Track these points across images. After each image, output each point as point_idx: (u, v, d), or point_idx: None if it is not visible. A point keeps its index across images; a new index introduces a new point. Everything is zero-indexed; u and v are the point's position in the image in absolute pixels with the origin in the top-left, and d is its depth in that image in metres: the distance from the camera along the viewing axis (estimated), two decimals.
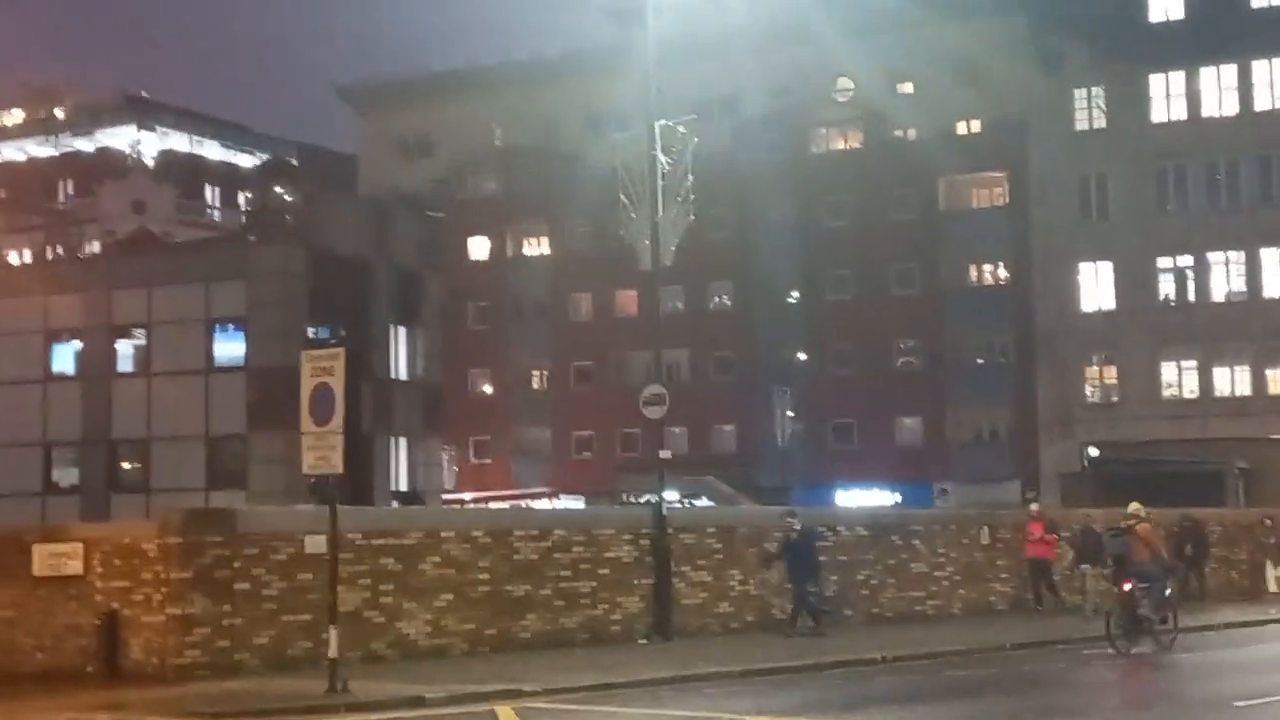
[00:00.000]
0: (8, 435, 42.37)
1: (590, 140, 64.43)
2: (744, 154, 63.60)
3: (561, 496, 57.16)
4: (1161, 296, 57.20)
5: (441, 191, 68.96)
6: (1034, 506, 30.95)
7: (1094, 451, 55.75)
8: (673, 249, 25.79)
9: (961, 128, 63.59)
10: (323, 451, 17.06)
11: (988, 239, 60.17)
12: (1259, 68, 56.61)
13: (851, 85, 66.27)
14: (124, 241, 58.29)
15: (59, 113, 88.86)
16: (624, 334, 61.26)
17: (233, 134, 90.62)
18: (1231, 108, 56.84)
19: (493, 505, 45.32)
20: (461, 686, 17.11)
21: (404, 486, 43.91)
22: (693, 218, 26.21)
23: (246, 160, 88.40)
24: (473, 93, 72.51)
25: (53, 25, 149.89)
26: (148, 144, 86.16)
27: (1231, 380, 55.84)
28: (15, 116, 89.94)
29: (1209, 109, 57.10)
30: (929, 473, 58.17)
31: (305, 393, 17.23)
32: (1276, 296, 55.57)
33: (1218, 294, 56.59)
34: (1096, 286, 57.98)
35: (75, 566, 19.69)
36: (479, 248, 69.30)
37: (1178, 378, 56.71)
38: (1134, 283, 56.99)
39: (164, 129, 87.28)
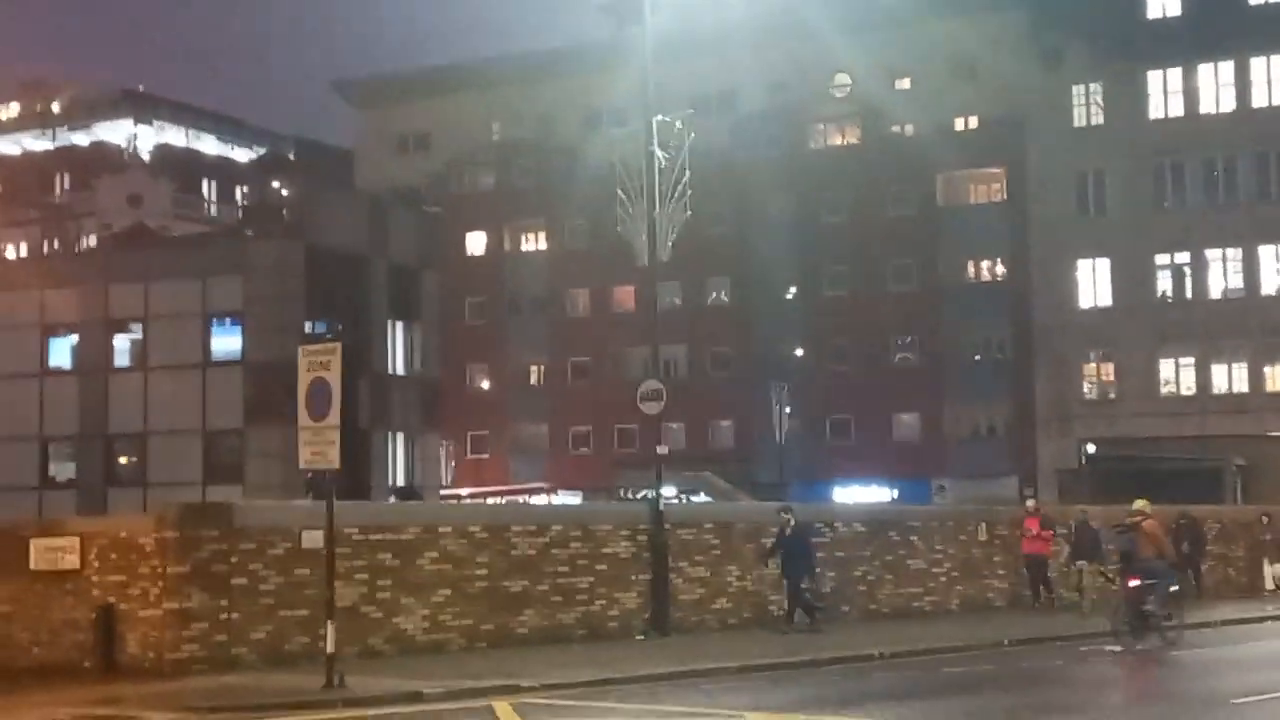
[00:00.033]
0: (4, 430, 42.32)
1: (588, 136, 64.44)
2: (742, 149, 63.59)
3: (559, 492, 57.09)
4: (1159, 293, 57.22)
5: (439, 187, 68.96)
6: (1030, 503, 30.96)
7: (1091, 448, 55.78)
8: (670, 244, 25.75)
9: (959, 124, 63.58)
10: (319, 446, 17.03)
11: (985, 235, 60.17)
12: (1256, 64, 56.62)
13: (849, 81, 66.26)
14: (120, 236, 58.20)
15: (55, 106, 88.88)
16: (621, 329, 61.22)
17: (230, 129, 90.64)
18: (1229, 104, 56.85)
19: (490, 501, 45.25)
20: (459, 682, 17.08)
21: (401, 482, 43.87)
22: (690, 213, 26.17)
23: (243, 155, 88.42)
24: (470, 88, 72.52)
25: (50, 19, 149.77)
26: (144, 138, 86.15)
27: (1229, 377, 55.86)
28: (11, 110, 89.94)
29: (1206, 105, 57.12)
30: (927, 469, 58.18)
31: (302, 388, 17.20)
32: (1274, 293, 55.59)
33: (1215, 291, 56.61)
34: (1094, 283, 58.00)
35: (72, 561, 19.66)
36: (476, 243, 69.26)
37: (1175, 375, 56.73)
38: (1132, 279, 57.00)
39: (161, 123, 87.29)
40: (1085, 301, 57.97)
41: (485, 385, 67.97)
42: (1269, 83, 56.57)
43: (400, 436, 44.29)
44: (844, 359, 61.34)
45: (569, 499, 54.22)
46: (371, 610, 20.06)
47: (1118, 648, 21.91)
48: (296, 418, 17.33)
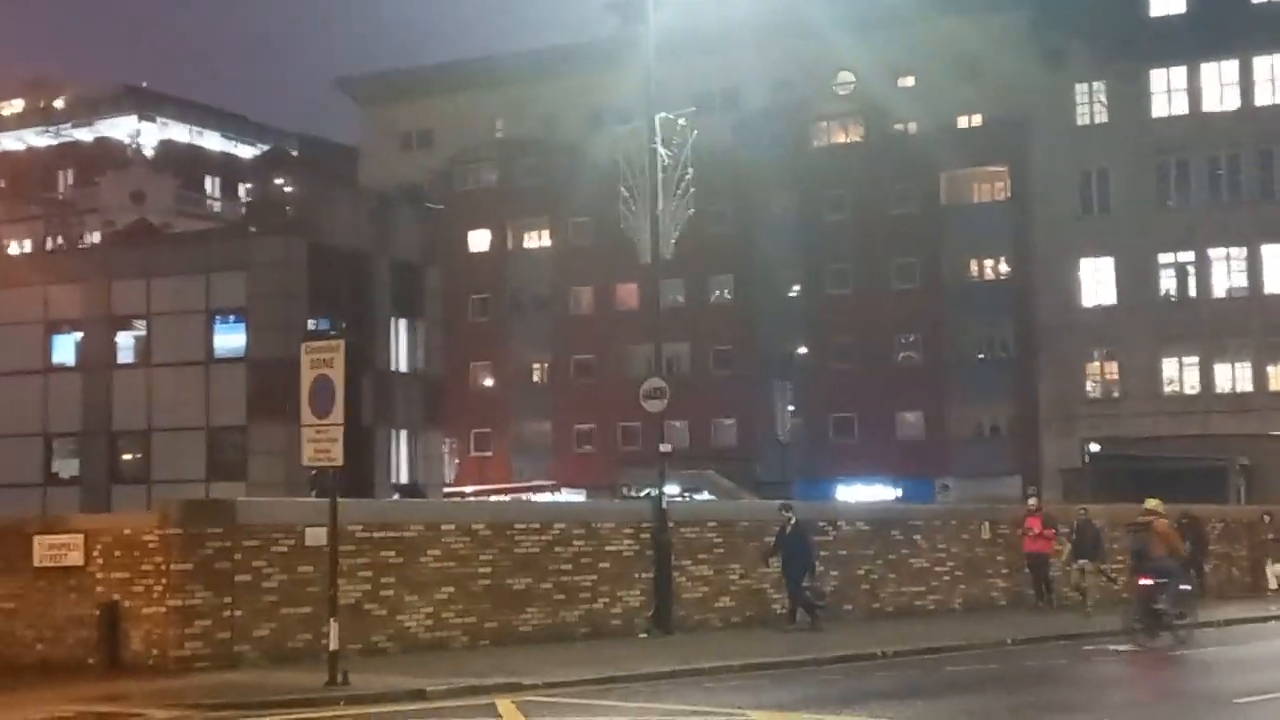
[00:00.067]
0: (8, 426, 42.33)
1: (591, 133, 64.46)
2: (745, 147, 63.59)
3: (562, 490, 57.12)
4: (1163, 292, 57.20)
5: (442, 184, 68.92)
6: (1032, 501, 30.95)
7: (1095, 447, 55.66)
8: (673, 242, 25.76)
9: (963, 122, 63.56)
10: (323, 444, 17.04)
11: (989, 234, 60.14)
12: (1260, 63, 56.59)
13: (852, 79, 66.23)
14: (124, 232, 58.19)
15: (59, 103, 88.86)
16: (624, 327, 61.25)
17: (233, 125, 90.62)
18: (1233, 103, 56.82)
19: (493, 499, 45.26)
20: (461, 680, 17.09)
21: (404, 479, 43.89)
22: (693, 211, 26.18)
23: (246, 151, 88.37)
24: (473, 85, 72.56)
25: (54, 16, 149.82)
26: (148, 134, 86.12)
27: (1233, 376, 55.84)
28: (15, 106, 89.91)
29: (1210, 104, 57.09)
30: (930, 468, 58.16)
31: (305, 385, 17.19)
32: (1278, 292, 55.54)
33: (1219, 290, 56.58)
34: (1098, 282, 57.98)
35: (75, 558, 19.67)
36: (479, 240, 69.28)
37: (1179, 374, 56.71)
38: (1135, 278, 56.98)
39: (164, 119, 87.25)
40: (1089, 300, 57.95)
41: (488, 383, 67.99)
42: (1273, 81, 56.56)
43: (403, 434, 44.30)
44: (847, 357, 61.33)
45: (572, 497, 54.25)
46: (375, 608, 20.07)
47: (1121, 647, 21.96)
48: (300, 415, 17.33)
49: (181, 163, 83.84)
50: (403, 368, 44.25)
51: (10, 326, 43.04)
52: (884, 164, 61.45)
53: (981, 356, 60.60)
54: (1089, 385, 58.29)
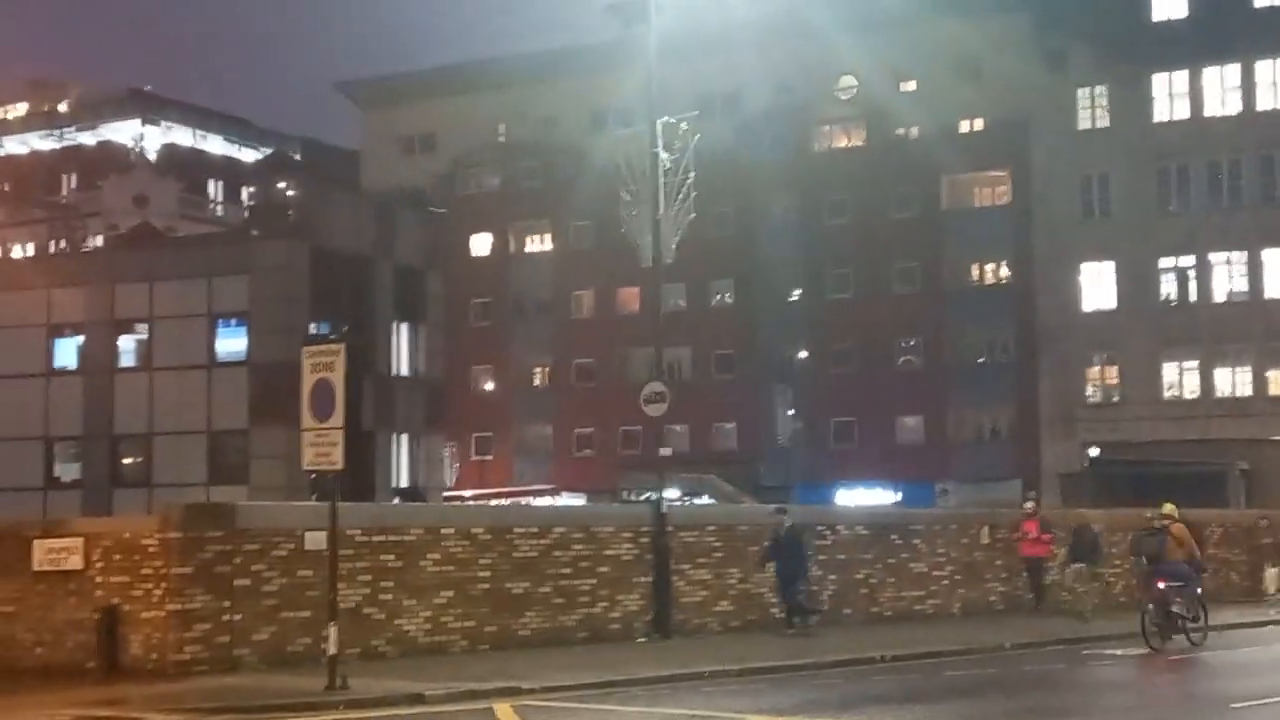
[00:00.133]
0: (9, 430, 42.36)
1: (592, 136, 64.46)
2: (746, 151, 63.64)
3: (563, 494, 57.15)
4: (1163, 296, 57.20)
5: (444, 188, 68.96)
6: (1029, 505, 30.97)
7: (1095, 451, 55.74)
8: (674, 246, 25.80)
9: (964, 126, 63.55)
10: (323, 447, 17.07)
11: (990, 238, 60.16)
12: (1262, 67, 56.60)
13: (854, 83, 66.24)
14: (126, 236, 58.23)
15: (62, 106, 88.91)
16: (625, 331, 61.30)
17: (236, 129, 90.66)
18: (1234, 107, 56.83)
19: (494, 503, 45.28)
20: (461, 684, 17.13)
21: (405, 483, 43.91)
22: (694, 215, 26.22)
23: (249, 155, 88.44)
24: (475, 89, 72.59)
25: (57, 19, 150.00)
26: (151, 138, 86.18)
27: (1233, 381, 55.83)
28: (19, 110, 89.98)
29: (1212, 108, 57.10)
30: (930, 472, 58.16)
31: (306, 388, 17.23)
32: (1278, 297, 55.52)
33: (1219, 294, 56.57)
34: (1098, 286, 57.98)
35: (75, 561, 19.70)
36: (481, 244, 69.32)
37: (1179, 378, 56.70)
38: (1136, 282, 56.98)
39: (167, 123, 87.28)
40: (1089, 304, 57.96)
41: (490, 387, 68.03)
42: (1275, 85, 56.56)
43: (404, 438, 44.33)
44: (848, 361, 61.33)
45: (572, 501, 54.28)
46: (374, 612, 20.11)
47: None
48: (301, 419, 17.37)
49: (184, 166, 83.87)
50: (404, 371, 44.29)
51: (12, 330, 43.07)
52: (885, 168, 61.48)
53: (982, 361, 60.61)
54: (1089, 389, 58.28)
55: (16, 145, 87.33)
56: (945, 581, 28.29)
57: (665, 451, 25.36)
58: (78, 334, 43.60)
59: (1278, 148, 55.74)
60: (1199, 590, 23.56)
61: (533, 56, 72.14)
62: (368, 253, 42.57)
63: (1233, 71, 56.97)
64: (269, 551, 19.14)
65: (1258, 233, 55.35)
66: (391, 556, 20.40)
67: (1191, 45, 56.33)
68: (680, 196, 25.67)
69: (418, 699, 16.38)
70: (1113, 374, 58.07)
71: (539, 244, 69.20)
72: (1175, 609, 22.78)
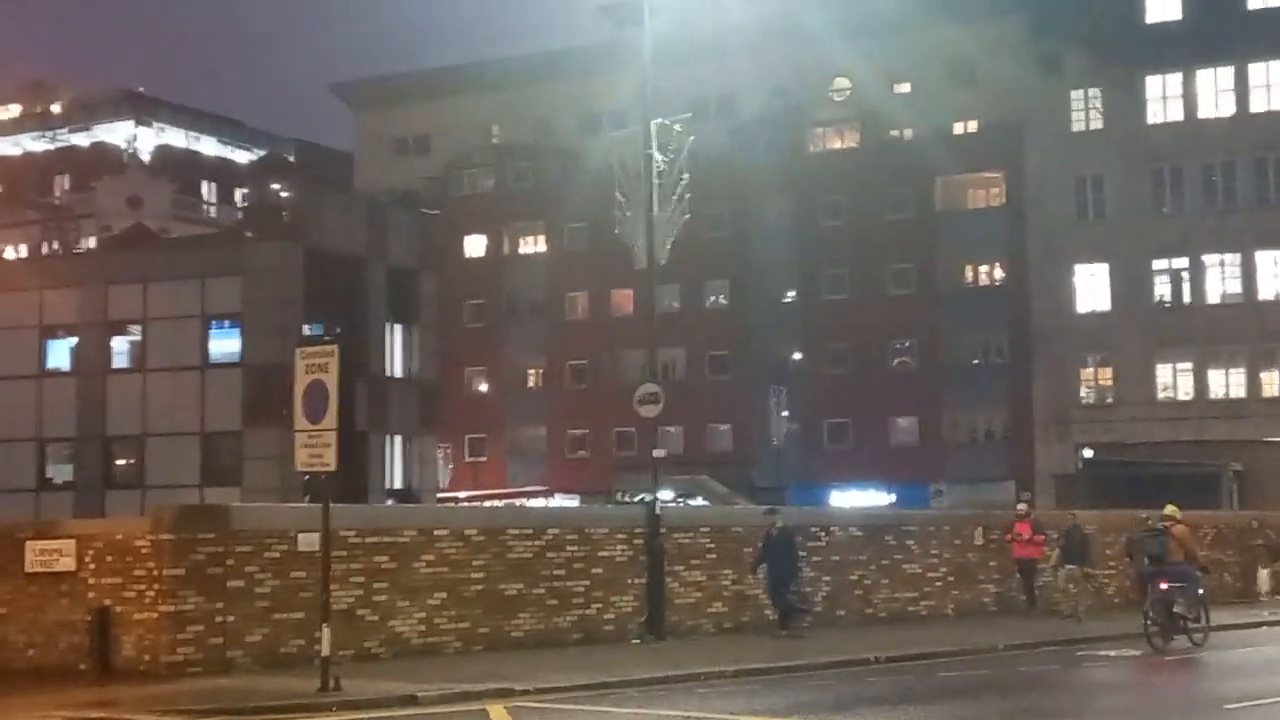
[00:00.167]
0: (2, 431, 42.35)
1: (586, 139, 64.54)
2: (741, 153, 63.68)
3: (557, 495, 57.11)
4: (1157, 298, 57.23)
5: (437, 189, 69.02)
6: (1021, 506, 31.02)
7: (1089, 453, 55.82)
8: (668, 247, 25.77)
9: (958, 128, 63.59)
10: (316, 449, 17.04)
11: (984, 239, 60.20)
12: (1255, 70, 56.64)
13: (849, 85, 66.30)
14: (120, 237, 58.19)
15: (56, 108, 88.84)
16: (619, 333, 61.28)
17: (229, 130, 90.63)
18: (1228, 109, 56.87)
19: (488, 504, 45.26)
20: (454, 685, 17.10)
21: (399, 484, 43.91)
22: (688, 216, 26.21)
23: (243, 156, 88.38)
24: (469, 90, 72.62)
25: (50, 21, 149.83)
26: (144, 140, 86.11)
27: (1226, 382, 55.87)
28: (12, 111, 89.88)
29: (1205, 111, 57.14)
30: (924, 473, 58.18)
31: (299, 390, 17.20)
32: (1272, 298, 55.58)
33: (1213, 296, 56.59)
34: (1092, 287, 58.01)
35: (68, 563, 19.65)
36: (475, 245, 69.29)
37: (1173, 380, 56.73)
38: (1130, 284, 57.01)
39: (161, 125, 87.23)
40: (1083, 306, 57.99)
41: (483, 388, 68.00)
42: (1268, 88, 56.58)
43: (398, 439, 44.31)
44: (842, 363, 61.35)
45: (566, 502, 54.25)
46: (367, 613, 20.08)
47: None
48: (294, 420, 17.35)
49: (178, 168, 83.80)
50: (397, 373, 44.28)
51: (5, 331, 43.06)
52: (880, 170, 61.51)
53: (976, 362, 60.64)
54: (1083, 391, 58.30)
55: (9, 146, 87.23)
56: (939, 583, 28.29)
57: (659, 453, 25.30)
58: (71, 335, 43.59)
59: (1271, 150, 55.78)
60: (1201, 591, 23.74)
61: (527, 58, 72.16)
62: (361, 254, 42.57)
63: (1226, 74, 57.01)
64: (262, 553, 19.10)
65: (1252, 235, 55.39)
66: (385, 558, 20.37)
67: (1185, 48, 56.37)
68: (675, 198, 25.66)
69: (411, 700, 16.35)
70: (1107, 375, 58.10)
71: (533, 245, 69.17)
72: (1178, 609, 22.97)
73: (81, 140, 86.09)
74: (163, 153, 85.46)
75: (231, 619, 18.71)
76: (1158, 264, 57.02)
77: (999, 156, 60.48)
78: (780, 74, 65.89)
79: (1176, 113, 57.40)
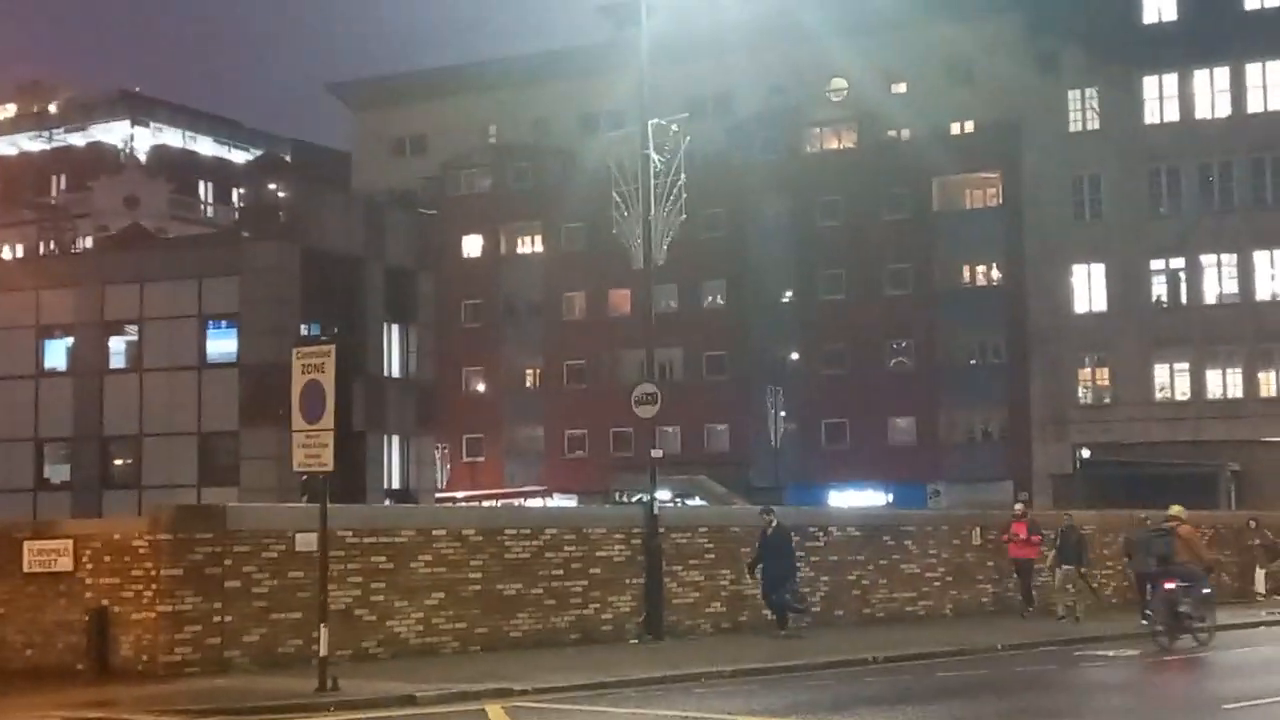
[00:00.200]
0: (0, 431, 42.30)
1: (583, 138, 64.60)
2: (738, 153, 63.71)
3: (554, 495, 57.11)
4: (1154, 298, 57.26)
5: (435, 189, 69.01)
6: (1018, 507, 31.02)
7: (1086, 453, 55.86)
8: (665, 248, 25.77)
9: (955, 128, 63.62)
10: (313, 449, 17.04)
11: (981, 239, 60.22)
12: (1252, 70, 56.67)
13: (845, 85, 66.33)
14: (117, 237, 58.22)
15: (52, 107, 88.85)
16: (617, 333, 61.30)
17: (226, 130, 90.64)
18: (1224, 110, 56.90)
19: (485, 504, 45.25)
20: (452, 685, 17.10)
21: (396, 485, 43.88)
22: (685, 216, 26.21)
23: (240, 156, 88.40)
24: (466, 90, 72.63)
25: (47, 20, 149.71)
26: (141, 139, 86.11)
27: (1224, 383, 55.91)
28: (8, 110, 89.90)
29: (1202, 111, 57.17)
30: (922, 473, 58.20)
31: (296, 390, 17.19)
32: (1269, 299, 55.62)
33: (1210, 296, 56.61)
34: (1089, 288, 58.02)
35: (65, 563, 19.64)
36: (472, 246, 69.27)
37: (1170, 380, 56.75)
38: (1127, 284, 57.04)
39: (157, 124, 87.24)
40: (1080, 306, 58.00)
41: (481, 388, 67.98)
42: (1264, 88, 56.61)
43: (395, 439, 44.29)
44: (839, 363, 61.36)
45: (564, 502, 54.25)
46: (365, 613, 20.07)
47: (1110, 652, 22.17)
48: (291, 420, 17.34)
49: (175, 168, 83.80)
50: (395, 373, 44.25)
51: (2, 331, 43.03)
52: (876, 169, 61.52)
53: (973, 362, 60.66)
54: (1080, 391, 58.32)
55: (6, 146, 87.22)
56: (937, 583, 28.29)
57: (657, 453, 25.29)
58: (68, 335, 43.56)
59: (1268, 150, 55.80)
60: (1207, 591, 23.93)
61: (524, 58, 72.18)
62: (359, 254, 42.55)
63: (1222, 74, 57.03)
64: (259, 553, 19.09)
65: (1248, 235, 55.42)
66: (383, 558, 20.36)
67: (1182, 48, 56.39)
68: (672, 198, 25.65)
69: (409, 700, 16.35)
70: (1104, 375, 58.14)
71: (530, 245, 69.15)
72: (1183, 609, 23.12)
73: (78, 140, 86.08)
74: (159, 153, 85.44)
75: (229, 619, 18.70)
76: (1155, 264, 57.05)
77: (996, 156, 60.50)
78: (777, 72, 65.93)
79: (1173, 113, 57.42)
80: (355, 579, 19.97)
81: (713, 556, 24.57)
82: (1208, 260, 56.54)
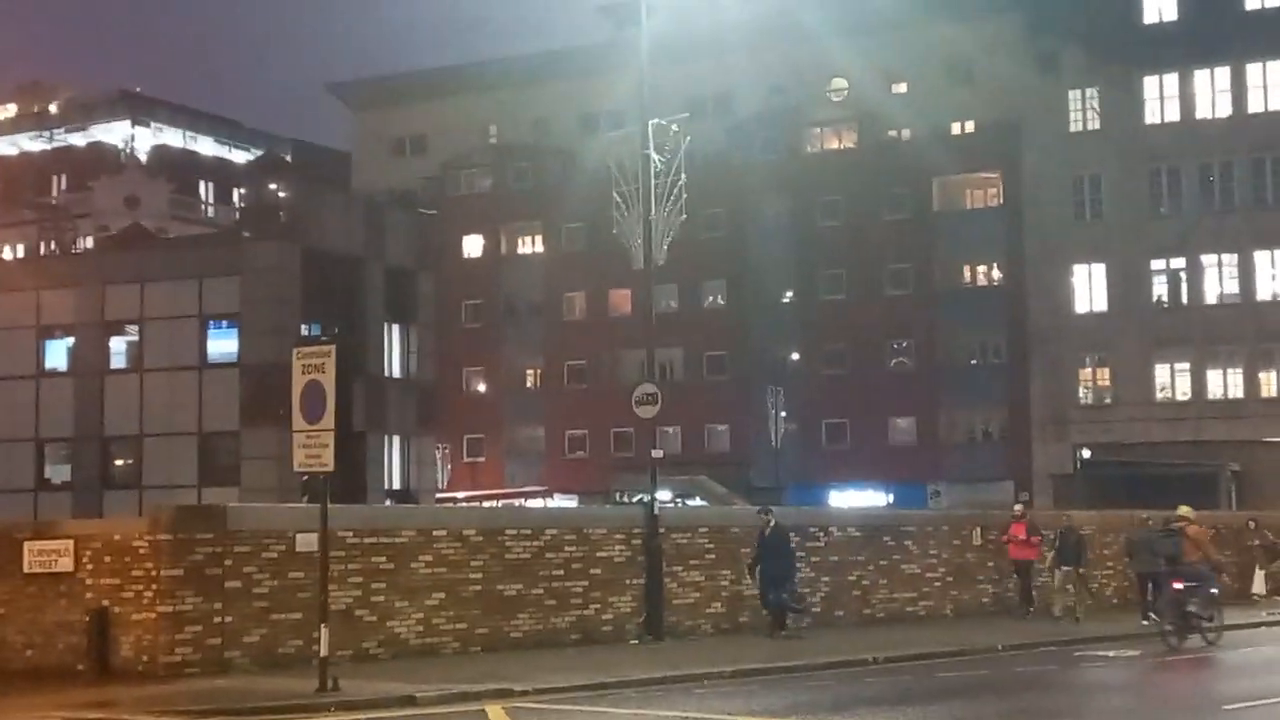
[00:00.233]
0: (1, 431, 42.30)
1: (584, 138, 64.60)
2: (738, 153, 63.70)
3: (555, 496, 57.11)
4: (1155, 298, 57.25)
5: (435, 189, 69.02)
6: (1018, 507, 31.01)
7: (1087, 453, 55.85)
8: (666, 248, 25.77)
9: (956, 128, 63.61)
10: (314, 449, 17.04)
11: (981, 239, 60.20)
12: (1252, 70, 56.66)
13: (846, 85, 66.32)
14: (117, 237, 58.21)
15: (53, 107, 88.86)
16: (617, 333, 61.29)
17: (226, 130, 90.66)
18: (1225, 110, 56.89)
19: (486, 504, 45.25)
20: (452, 686, 17.10)
21: (397, 485, 43.88)
22: (685, 216, 26.21)
23: (240, 156, 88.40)
24: (467, 90, 72.63)
25: (47, 20, 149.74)
26: (141, 139, 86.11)
27: (1224, 383, 55.89)
28: (9, 110, 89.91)
29: (1203, 111, 57.16)
30: (922, 473, 58.19)
31: (296, 390, 17.20)
32: (1269, 299, 55.60)
33: (1211, 296, 56.60)
34: (1090, 288, 58.01)
35: (66, 563, 19.65)
36: (473, 246, 69.27)
37: (1171, 380, 56.75)
38: (1127, 284, 57.03)
39: (158, 124, 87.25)
40: (1081, 306, 57.99)
41: (481, 388, 67.97)
42: (1265, 88, 56.60)
43: (396, 439, 44.29)
44: (840, 363, 61.35)
45: (564, 502, 54.26)
46: (365, 613, 20.07)
47: (1110, 653, 22.19)
48: (291, 420, 17.34)
49: (175, 168, 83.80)
50: (395, 373, 44.26)
51: (3, 331, 43.04)
52: (877, 169, 61.50)
53: (974, 362, 60.65)
54: (1081, 391, 58.31)
55: (6, 146, 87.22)
56: (937, 583, 28.28)
57: (657, 453, 25.29)
58: (68, 335, 43.57)
59: (1269, 150, 55.79)
60: (1214, 590, 24.05)
61: (524, 59, 72.18)
62: (359, 254, 42.56)
63: (1223, 74, 57.01)
64: (260, 553, 19.09)
65: (1249, 235, 55.41)
66: (383, 558, 20.36)
67: (1182, 48, 56.38)
68: (672, 198, 25.65)
69: (409, 701, 16.35)
70: (1104, 375, 58.12)
71: (530, 246, 69.15)
72: (1191, 609, 23.26)
73: (78, 140, 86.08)
74: (160, 153, 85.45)
75: (229, 619, 18.70)
76: (1155, 264, 57.04)
77: (996, 156, 60.49)
78: (777, 72, 65.93)
79: (1174, 113, 57.41)
80: (356, 579, 19.97)
81: (713, 557, 24.57)
82: (1208, 260, 56.53)
